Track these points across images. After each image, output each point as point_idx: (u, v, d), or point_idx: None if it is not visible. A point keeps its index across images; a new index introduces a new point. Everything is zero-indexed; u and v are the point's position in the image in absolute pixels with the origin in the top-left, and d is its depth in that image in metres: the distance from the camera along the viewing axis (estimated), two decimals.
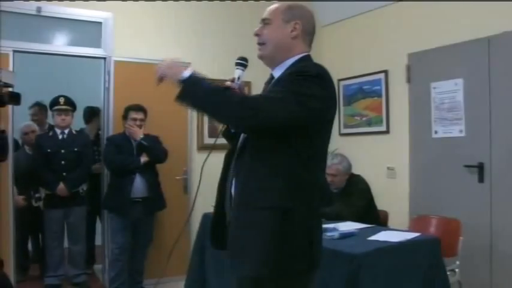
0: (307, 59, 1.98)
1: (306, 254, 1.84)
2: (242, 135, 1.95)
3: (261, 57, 2.00)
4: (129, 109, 4.37)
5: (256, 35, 2.00)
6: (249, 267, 1.80)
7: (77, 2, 4.51)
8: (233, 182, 1.93)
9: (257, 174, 1.84)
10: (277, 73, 1.97)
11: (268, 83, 2.03)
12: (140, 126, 4.35)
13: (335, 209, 3.90)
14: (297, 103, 1.74)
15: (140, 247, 4.44)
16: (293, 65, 1.93)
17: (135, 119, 4.34)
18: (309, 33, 2.01)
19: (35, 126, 5.01)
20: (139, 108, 4.38)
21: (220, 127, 2.13)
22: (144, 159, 4.31)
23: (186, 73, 1.84)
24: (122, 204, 4.22)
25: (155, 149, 4.37)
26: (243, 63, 2.01)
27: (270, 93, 1.83)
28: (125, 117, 4.38)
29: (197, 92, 1.84)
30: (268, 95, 1.84)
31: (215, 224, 2.05)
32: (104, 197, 4.50)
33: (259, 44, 1.99)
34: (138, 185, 4.28)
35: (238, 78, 1.98)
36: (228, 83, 1.94)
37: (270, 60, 2.00)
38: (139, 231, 4.38)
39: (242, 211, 1.84)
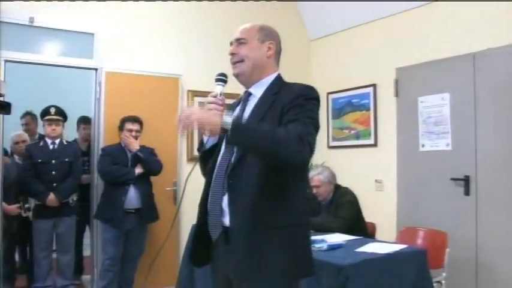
0: (282, 78, 2.10)
1: (311, 263, 2.01)
2: (224, 154, 1.99)
3: (237, 74, 2.06)
4: (125, 120, 4.41)
5: (232, 54, 2.06)
6: (270, 283, 1.89)
7: (69, 13, 4.54)
8: (225, 198, 1.93)
9: (268, 193, 1.88)
10: (257, 91, 2.05)
11: (245, 99, 2.08)
12: (136, 138, 4.38)
13: (323, 221, 3.95)
14: (315, 129, 1.91)
15: (131, 258, 4.44)
16: (273, 83, 2.05)
17: (130, 130, 4.37)
18: (279, 52, 2.13)
19: (26, 136, 5.00)
20: (135, 120, 4.42)
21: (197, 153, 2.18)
22: (138, 170, 4.33)
23: (228, 119, 1.76)
24: (115, 215, 4.23)
25: (151, 161, 4.40)
26: (222, 78, 2.05)
27: (298, 121, 1.85)
28: (120, 128, 4.42)
29: (249, 133, 1.78)
30: (305, 128, 1.84)
31: (197, 240, 2.07)
32: (97, 207, 4.49)
33: (236, 62, 2.05)
34: (132, 196, 4.30)
35: (220, 94, 2.01)
36: (214, 101, 1.97)
37: (247, 78, 2.06)
38: (131, 243, 4.39)
39: (258, 229, 1.87)
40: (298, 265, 1.94)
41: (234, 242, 1.90)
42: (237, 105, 2.12)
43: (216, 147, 2.07)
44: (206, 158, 2.09)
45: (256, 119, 1.94)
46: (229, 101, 2.19)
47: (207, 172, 2.05)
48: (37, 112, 5.07)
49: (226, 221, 1.93)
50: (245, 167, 1.90)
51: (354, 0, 5.12)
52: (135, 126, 4.40)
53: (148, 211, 4.40)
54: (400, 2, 4.76)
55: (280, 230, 1.89)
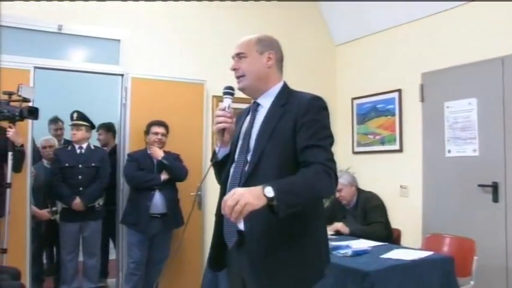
0: (288, 86, 2.14)
1: (323, 266, 2.05)
2: (237, 164, 2.05)
3: (242, 89, 2.12)
4: (151, 124, 4.48)
5: (234, 69, 2.12)
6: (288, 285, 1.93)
7: (96, 20, 4.63)
8: None
9: None
10: (265, 101, 2.10)
11: (254, 110, 2.12)
12: (161, 141, 4.44)
13: (366, 229, 3.99)
14: (331, 145, 1.97)
15: (155, 263, 4.47)
16: (281, 93, 2.10)
17: (156, 133, 4.43)
18: (280, 60, 2.17)
19: (53, 141, 5.08)
20: (160, 123, 4.48)
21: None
22: (164, 176, 4.38)
23: (268, 191, 1.71)
24: (141, 219, 4.28)
25: (176, 168, 4.44)
26: (230, 92, 2.10)
27: (316, 148, 1.91)
28: (146, 132, 4.48)
29: (291, 197, 1.78)
30: (325, 155, 1.91)
31: (215, 246, 2.13)
32: (123, 212, 4.54)
33: (239, 76, 2.11)
34: (158, 201, 4.34)
35: (229, 106, 2.07)
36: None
37: (252, 91, 2.12)
38: (156, 247, 4.43)
39: (271, 235, 1.90)
40: (308, 270, 1.97)
41: (248, 245, 1.94)
42: (246, 115, 2.17)
43: (228, 158, 2.12)
44: (219, 168, 2.15)
45: (267, 133, 1.99)
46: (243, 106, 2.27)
47: (222, 181, 2.11)
48: (63, 117, 5.16)
49: (241, 227, 1.96)
50: (258, 176, 1.94)
51: (379, 0, 5.10)
52: (161, 130, 4.45)
53: (173, 216, 4.42)
54: (425, 4, 4.72)
55: (292, 236, 1.92)
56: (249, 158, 2.01)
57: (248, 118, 2.14)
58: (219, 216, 2.04)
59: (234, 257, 2.06)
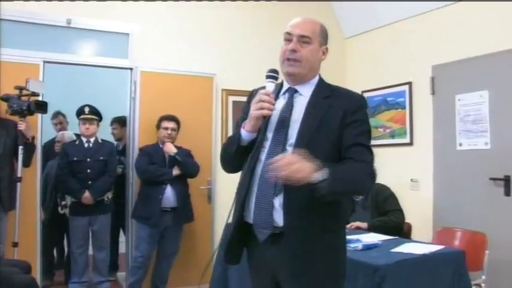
0: (323, 79, 2.12)
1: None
2: (272, 152, 1.92)
3: (292, 73, 2.00)
4: (162, 119, 4.49)
5: (293, 50, 1.97)
6: (327, 281, 1.94)
7: (104, 14, 4.63)
8: (278, 198, 1.90)
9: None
10: (304, 90, 2.03)
11: (291, 96, 2.03)
12: (171, 136, 4.44)
13: (386, 219, 4.03)
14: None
15: (166, 256, 4.49)
16: (320, 84, 2.07)
17: (166, 128, 4.44)
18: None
19: (64, 136, 5.06)
20: (171, 118, 4.49)
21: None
22: (176, 172, 4.38)
23: (319, 176, 1.72)
24: (152, 213, 4.29)
25: (188, 164, 4.44)
26: (273, 75, 1.98)
27: (364, 147, 1.94)
28: (158, 127, 4.49)
29: (339, 187, 1.81)
30: (370, 156, 1.95)
31: (234, 238, 2.03)
32: (134, 206, 4.55)
33: (294, 60, 1.97)
34: (169, 195, 4.35)
35: (273, 92, 1.96)
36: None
37: (301, 78, 2.02)
38: (167, 241, 4.44)
39: (312, 231, 1.90)
40: (343, 266, 2.02)
41: (286, 241, 1.88)
42: (276, 95, 2.03)
43: (253, 144, 1.97)
44: (241, 153, 2.00)
45: (314, 123, 1.93)
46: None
47: (249, 167, 1.96)
48: (72, 111, 5.17)
49: (278, 221, 1.89)
50: None
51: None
52: (171, 124, 4.46)
53: (183, 211, 4.43)
54: None
55: (331, 233, 1.95)
56: (288, 147, 1.92)
57: (284, 103, 2.02)
58: (242, 205, 1.97)
59: (269, 255, 1.96)
